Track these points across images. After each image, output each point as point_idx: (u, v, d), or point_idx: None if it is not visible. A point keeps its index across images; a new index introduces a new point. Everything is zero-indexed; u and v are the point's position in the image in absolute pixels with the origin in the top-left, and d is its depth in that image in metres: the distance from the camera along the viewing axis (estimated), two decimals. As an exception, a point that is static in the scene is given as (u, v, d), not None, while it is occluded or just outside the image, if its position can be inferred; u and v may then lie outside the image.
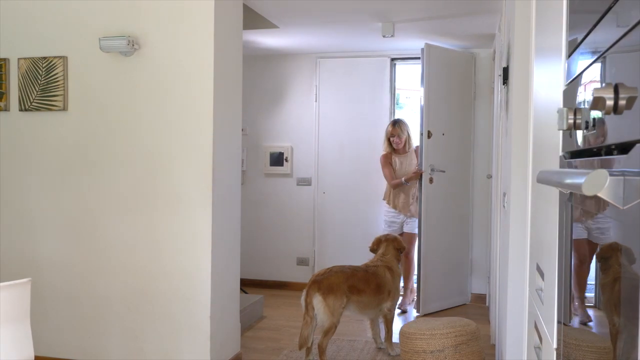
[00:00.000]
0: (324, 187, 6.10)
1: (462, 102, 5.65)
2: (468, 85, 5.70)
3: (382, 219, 5.67)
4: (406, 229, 5.56)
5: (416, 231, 5.39)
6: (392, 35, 4.86)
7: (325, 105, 6.10)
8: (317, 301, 3.81)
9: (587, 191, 0.68)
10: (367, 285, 3.99)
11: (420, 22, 4.80)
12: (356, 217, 6.04)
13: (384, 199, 5.64)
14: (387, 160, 5.56)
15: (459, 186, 5.70)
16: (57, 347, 3.77)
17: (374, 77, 5.97)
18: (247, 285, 5.73)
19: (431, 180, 5.26)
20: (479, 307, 5.52)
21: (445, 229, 5.65)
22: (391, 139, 5.48)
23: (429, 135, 5.23)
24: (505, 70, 3.19)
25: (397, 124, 5.47)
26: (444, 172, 5.34)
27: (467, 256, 5.75)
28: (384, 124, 5.89)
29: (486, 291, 5.52)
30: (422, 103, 5.23)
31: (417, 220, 5.39)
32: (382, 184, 5.79)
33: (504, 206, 3.18)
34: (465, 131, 5.69)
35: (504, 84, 3.30)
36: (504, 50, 3.49)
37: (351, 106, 6.01)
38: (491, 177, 5.29)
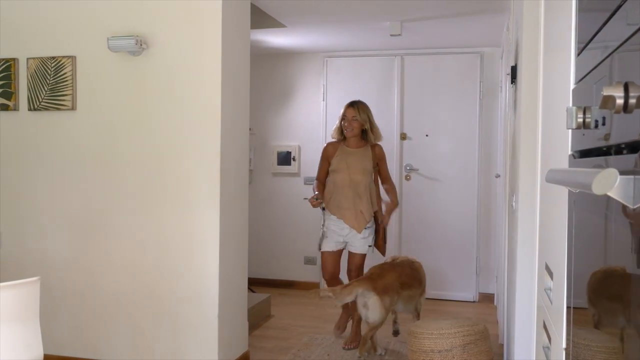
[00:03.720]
0: (331, 186, 6.09)
1: (462, 102, 5.73)
2: (469, 84, 5.71)
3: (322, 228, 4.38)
4: (355, 248, 4.32)
5: (365, 249, 4.32)
6: (399, 34, 4.85)
7: (333, 104, 6.09)
8: (373, 301, 3.88)
9: (597, 190, 0.68)
10: (413, 279, 4.18)
11: (428, 21, 4.79)
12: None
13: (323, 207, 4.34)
14: (328, 153, 4.36)
15: (464, 185, 5.71)
16: (65, 346, 3.78)
17: (382, 75, 5.96)
18: (254, 284, 5.73)
19: (407, 177, 5.76)
20: (487, 307, 5.50)
21: (448, 227, 5.69)
22: (343, 122, 4.30)
23: (404, 137, 5.78)
24: (514, 69, 3.18)
25: (356, 104, 4.31)
26: (417, 170, 5.81)
27: (473, 255, 5.75)
28: (392, 123, 5.88)
29: (494, 291, 5.51)
30: (396, 109, 5.82)
31: (370, 233, 4.32)
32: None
33: (512, 205, 3.17)
34: (469, 131, 5.71)
35: (512, 83, 3.29)
36: (512, 49, 3.48)
37: (359, 105, 5.99)
38: (499, 176, 5.27)
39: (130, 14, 3.64)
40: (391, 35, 4.88)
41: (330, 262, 4.31)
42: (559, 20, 1.50)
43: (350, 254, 4.37)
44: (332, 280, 4.30)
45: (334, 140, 4.41)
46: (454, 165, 5.77)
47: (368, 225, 4.27)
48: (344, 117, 4.29)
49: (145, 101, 3.65)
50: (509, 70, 3.36)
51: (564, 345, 1.27)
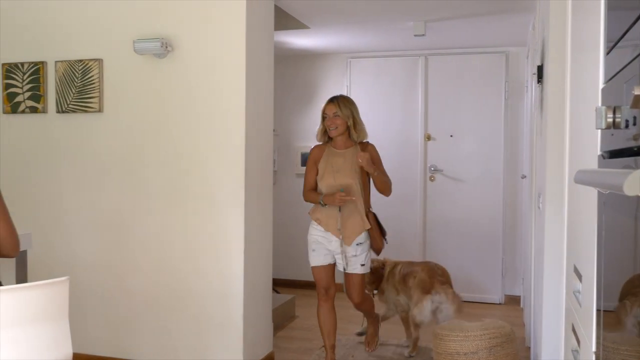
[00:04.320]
0: (355, 187, 6.08)
1: (487, 103, 5.69)
2: (495, 85, 5.66)
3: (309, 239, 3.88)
4: (349, 269, 3.75)
5: (360, 270, 3.75)
6: (423, 35, 4.83)
7: (357, 105, 6.08)
8: (451, 298, 4.03)
9: (629, 191, 0.67)
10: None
11: (452, 21, 4.76)
12: (389, 216, 6.00)
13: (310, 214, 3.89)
14: (315, 157, 3.84)
15: (489, 186, 5.67)
16: (91, 345, 3.83)
17: (406, 76, 5.94)
18: (279, 285, 5.74)
19: (432, 178, 5.78)
20: (513, 309, 5.44)
21: (473, 228, 5.65)
22: (325, 121, 3.78)
23: (428, 138, 5.80)
24: (540, 69, 3.14)
25: (336, 99, 3.80)
26: (441, 170, 5.79)
27: (499, 256, 5.69)
28: (417, 123, 5.86)
29: (520, 293, 5.45)
30: (420, 110, 5.85)
31: (365, 248, 3.75)
32: (413, 182, 5.75)
33: (539, 207, 3.13)
34: (494, 131, 5.66)
35: (538, 83, 3.25)
36: (538, 48, 3.44)
37: (383, 106, 5.97)
38: (525, 177, 5.22)
39: (156, 16, 3.68)
40: (415, 35, 4.86)
41: (324, 278, 3.78)
42: (588, 19, 1.48)
43: (346, 275, 3.79)
44: (329, 297, 3.81)
45: (320, 143, 3.89)
46: (479, 166, 5.73)
47: (360, 242, 3.72)
48: (324, 115, 3.78)
49: (171, 103, 3.68)
50: (535, 70, 3.32)
51: (594, 349, 1.25)
